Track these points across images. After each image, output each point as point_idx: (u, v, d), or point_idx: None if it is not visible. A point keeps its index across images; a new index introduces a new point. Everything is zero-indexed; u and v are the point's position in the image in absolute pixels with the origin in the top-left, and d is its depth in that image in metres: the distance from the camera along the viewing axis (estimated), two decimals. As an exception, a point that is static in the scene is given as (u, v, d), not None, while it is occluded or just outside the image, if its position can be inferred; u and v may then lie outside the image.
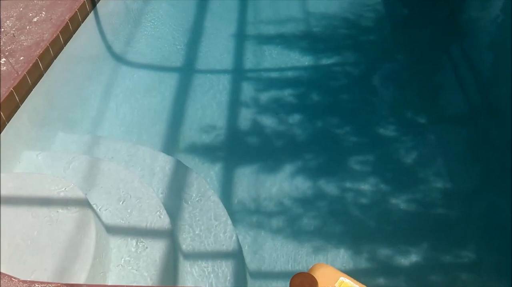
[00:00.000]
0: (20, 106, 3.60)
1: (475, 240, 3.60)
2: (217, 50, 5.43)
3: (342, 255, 3.48)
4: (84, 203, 2.90)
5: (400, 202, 3.81)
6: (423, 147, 4.29)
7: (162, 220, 3.12)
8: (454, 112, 4.73)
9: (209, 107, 4.66)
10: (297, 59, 5.26)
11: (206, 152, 4.21)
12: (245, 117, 4.57)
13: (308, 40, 5.57)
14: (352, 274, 1.87)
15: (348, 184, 3.95)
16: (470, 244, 3.58)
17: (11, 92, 3.49)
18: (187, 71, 5.18)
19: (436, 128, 4.49)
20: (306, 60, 5.23)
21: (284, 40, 5.53)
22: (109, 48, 5.35)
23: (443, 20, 5.85)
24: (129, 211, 3.19)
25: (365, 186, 3.93)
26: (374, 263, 3.46)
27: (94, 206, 3.01)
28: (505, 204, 3.76)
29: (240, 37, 5.65)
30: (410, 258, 3.46)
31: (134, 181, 3.38)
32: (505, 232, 3.54)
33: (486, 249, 3.55)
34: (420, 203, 3.83)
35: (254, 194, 3.87)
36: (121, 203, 3.24)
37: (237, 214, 3.72)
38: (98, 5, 5.13)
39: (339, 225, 3.69)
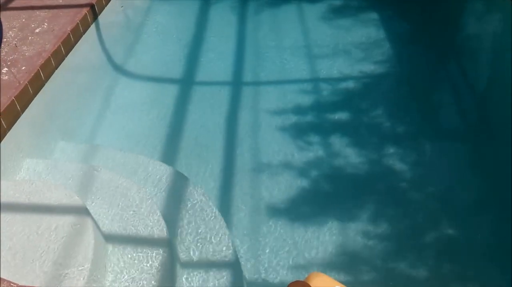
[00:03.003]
0: (21, 115, 3.64)
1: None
2: (219, 61, 5.50)
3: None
4: (83, 211, 2.93)
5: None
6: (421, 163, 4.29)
7: (159, 229, 3.15)
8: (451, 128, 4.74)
9: (210, 119, 4.70)
10: (303, 72, 5.33)
11: (205, 162, 4.24)
12: (245, 129, 4.60)
13: (308, 51, 5.65)
14: (348, 283, 1.89)
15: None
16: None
17: (12, 101, 3.54)
18: (187, 83, 5.23)
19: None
20: (305, 73, 5.30)
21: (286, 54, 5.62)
22: (109, 59, 5.42)
23: (440, 36, 5.92)
24: (127, 219, 3.22)
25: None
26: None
27: (92, 214, 3.04)
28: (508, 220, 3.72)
29: (242, 49, 5.73)
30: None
31: (132, 190, 3.42)
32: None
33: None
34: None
35: (252, 205, 3.89)
36: (119, 211, 3.27)
37: (233, 223, 3.74)
38: (99, 17, 5.20)
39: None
